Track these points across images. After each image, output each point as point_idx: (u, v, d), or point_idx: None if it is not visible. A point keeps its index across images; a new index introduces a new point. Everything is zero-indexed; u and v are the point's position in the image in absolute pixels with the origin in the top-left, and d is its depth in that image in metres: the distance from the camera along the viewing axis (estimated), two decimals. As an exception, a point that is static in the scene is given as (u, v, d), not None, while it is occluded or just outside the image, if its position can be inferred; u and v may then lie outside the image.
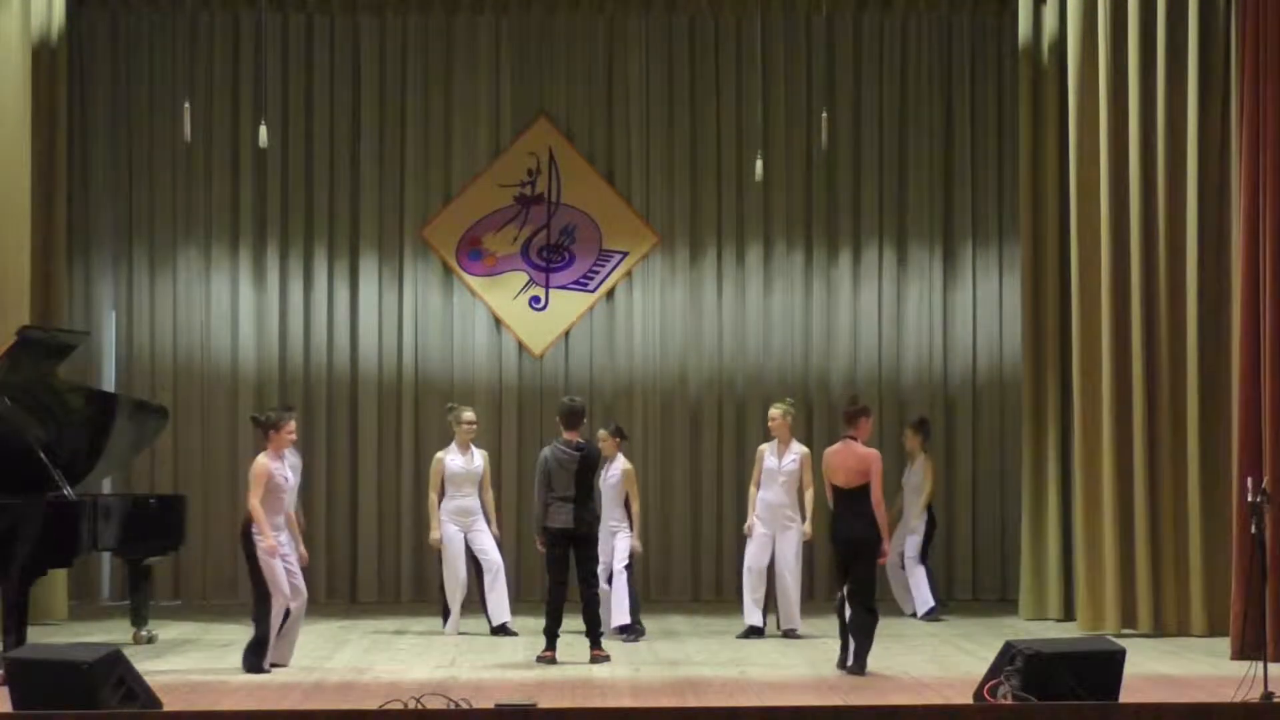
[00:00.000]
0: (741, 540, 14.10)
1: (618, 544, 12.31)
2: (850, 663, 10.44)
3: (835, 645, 10.97)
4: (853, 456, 10.60)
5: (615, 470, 12.40)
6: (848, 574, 10.56)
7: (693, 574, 14.99)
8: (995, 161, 15.07)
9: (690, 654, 11.47)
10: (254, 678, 10.20)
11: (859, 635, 10.43)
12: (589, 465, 11.14)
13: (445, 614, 12.60)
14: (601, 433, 12.55)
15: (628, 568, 12.30)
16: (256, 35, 14.85)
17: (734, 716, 8.59)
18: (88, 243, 14.83)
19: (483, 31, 15.01)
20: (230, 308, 14.93)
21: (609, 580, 12.32)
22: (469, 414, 12.75)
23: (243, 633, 12.59)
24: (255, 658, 10.37)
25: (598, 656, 10.99)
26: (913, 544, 13.55)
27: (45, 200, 13.48)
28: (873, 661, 10.47)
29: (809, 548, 13.80)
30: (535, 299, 15.04)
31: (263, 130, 13.31)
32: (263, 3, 14.49)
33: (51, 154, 13.66)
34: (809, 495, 12.29)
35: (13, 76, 12.60)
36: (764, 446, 12.55)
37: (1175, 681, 10.02)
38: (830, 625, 12.61)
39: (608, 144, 15.15)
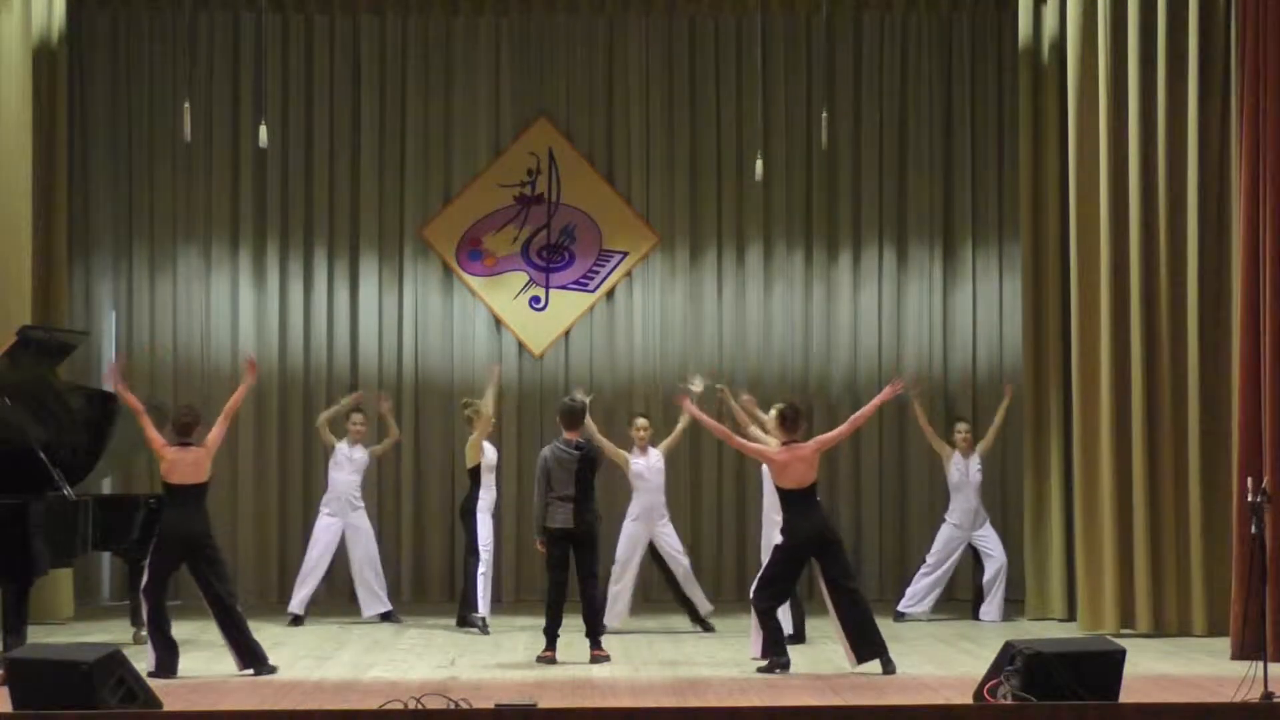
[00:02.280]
0: (741, 540, 14.12)
1: (670, 530, 12.83)
2: (885, 663, 10.41)
3: (835, 646, 10.94)
4: (806, 459, 10.62)
5: (657, 459, 12.72)
6: (816, 570, 10.75)
7: (692, 574, 14.94)
8: (995, 161, 15.06)
9: (690, 654, 11.47)
10: (254, 678, 10.20)
11: (873, 627, 10.48)
12: (589, 465, 11.14)
13: (474, 610, 12.54)
14: (643, 421, 12.84)
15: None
16: (256, 35, 14.85)
17: (734, 716, 8.60)
18: (88, 243, 14.82)
19: (483, 32, 15.01)
20: (230, 308, 14.93)
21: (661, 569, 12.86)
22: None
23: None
24: None
25: (598, 656, 10.99)
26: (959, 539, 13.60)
27: (45, 200, 13.48)
28: (871, 662, 10.49)
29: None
30: (535, 299, 15.03)
31: (263, 130, 13.31)
32: (263, 3, 14.50)
33: (51, 154, 13.67)
34: None
35: (13, 76, 12.60)
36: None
37: (1175, 681, 10.02)
38: (827, 626, 12.64)
39: (608, 144, 15.15)
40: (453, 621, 12.86)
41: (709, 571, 14.93)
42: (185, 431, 10.49)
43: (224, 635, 10.39)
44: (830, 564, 10.54)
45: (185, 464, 10.41)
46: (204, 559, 10.37)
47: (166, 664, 10.23)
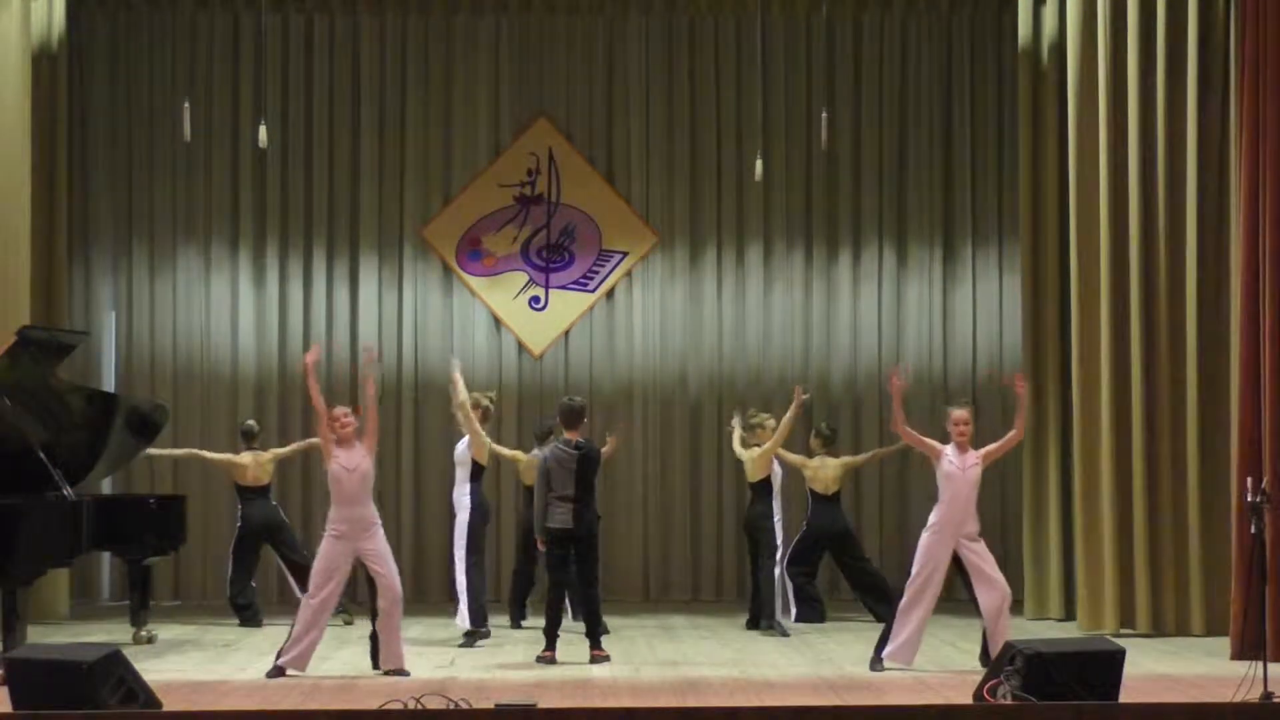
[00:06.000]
0: (742, 541, 14.08)
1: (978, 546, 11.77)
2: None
3: (835, 645, 11.00)
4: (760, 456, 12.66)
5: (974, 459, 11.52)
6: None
7: (693, 574, 14.99)
8: (995, 161, 15.07)
9: (690, 654, 11.47)
10: (254, 678, 10.19)
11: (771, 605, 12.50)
12: (589, 465, 11.11)
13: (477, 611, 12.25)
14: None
15: None
16: (256, 35, 14.85)
17: (734, 716, 8.59)
18: (88, 243, 14.83)
19: (483, 31, 15.01)
20: (230, 308, 14.93)
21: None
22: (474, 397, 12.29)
23: (242, 633, 12.65)
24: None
25: (598, 656, 10.98)
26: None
27: (45, 200, 13.50)
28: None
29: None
30: (535, 299, 15.04)
31: (263, 130, 13.30)
32: (263, 3, 14.50)
33: (51, 154, 13.69)
34: None
35: (13, 77, 12.60)
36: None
37: (1175, 681, 10.02)
38: (834, 627, 12.66)
39: (608, 144, 15.15)
40: (453, 621, 12.85)
41: (709, 570, 14.97)
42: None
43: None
44: (752, 547, 12.74)
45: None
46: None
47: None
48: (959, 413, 10.59)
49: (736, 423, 13.14)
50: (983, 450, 10.55)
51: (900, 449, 13.50)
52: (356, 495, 10.28)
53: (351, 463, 10.29)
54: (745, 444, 12.91)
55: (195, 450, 13.51)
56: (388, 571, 10.32)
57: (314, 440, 13.22)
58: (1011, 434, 10.75)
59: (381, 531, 10.40)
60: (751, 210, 15.05)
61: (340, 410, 10.44)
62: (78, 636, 12.07)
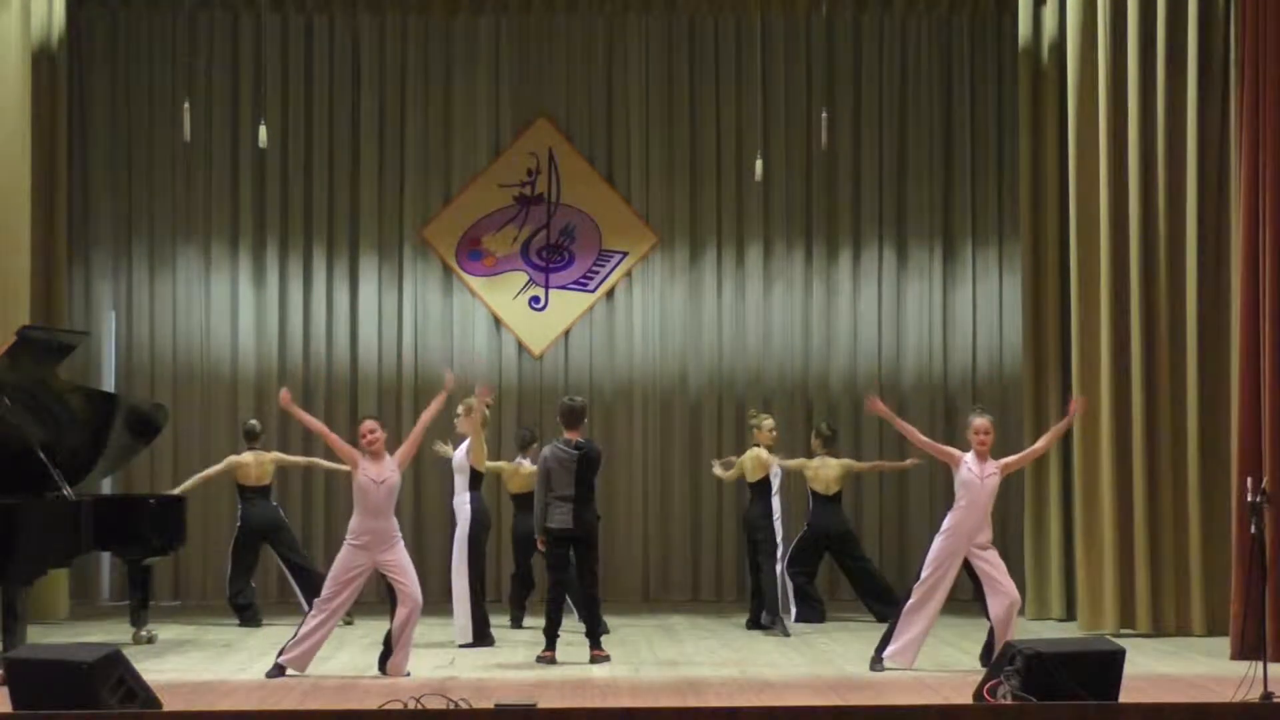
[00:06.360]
0: (742, 543, 14.10)
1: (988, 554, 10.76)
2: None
3: (835, 645, 11.01)
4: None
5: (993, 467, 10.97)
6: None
7: (693, 574, 14.99)
8: (995, 161, 15.07)
9: (690, 654, 11.47)
10: (254, 678, 10.19)
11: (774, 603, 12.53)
12: (589, 465, 11.10)
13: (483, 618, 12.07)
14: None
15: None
16: (256, 35, 14.86)
17: (734, 716, 8.58)
18: (88, 243, 14.83)
19: (483, 31, 15.01)
20: (230, 308, 14.93)
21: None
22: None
23: (242, 633, 12.65)
24: None
25: (598, 656, 10.98)
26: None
27: (45, 200, 13.49)
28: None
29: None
30: (535, 299, 15.04)
31: (262, 130, 13.30)
32: (263, 3, 14.50)
33: (52, 154, 13.68)
34: None
35: (13, 77, 12.60)
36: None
37: (1175, 681, 10.02)
38: (834, 627, 12.64)
39: (608, 144, 15.15)
40: (451, 621, 12.85)
41: (709, 570, 14.97)
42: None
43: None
44: (751, 548, 12.68)
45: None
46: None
47: None
48: (980, 421, 10.49)
49: (718, 469, 13.16)
50: (1002, 461, 10.49)
51: (905, 468, 13.62)
52: (381, 508, 10.32)
53: (380, 475, 10.32)
54: (727, 466, 13.06)
55: (197, 476, 13.44)
56: (409, 581, 10.38)
57: (319, 460, 13.39)
58: (1035, 447, 10.90)
59: (402, 543, 10.47)
60: (751, 210, 15.05)
61: (367, 425, 10.49)
62: (78, 636, 12.07)
